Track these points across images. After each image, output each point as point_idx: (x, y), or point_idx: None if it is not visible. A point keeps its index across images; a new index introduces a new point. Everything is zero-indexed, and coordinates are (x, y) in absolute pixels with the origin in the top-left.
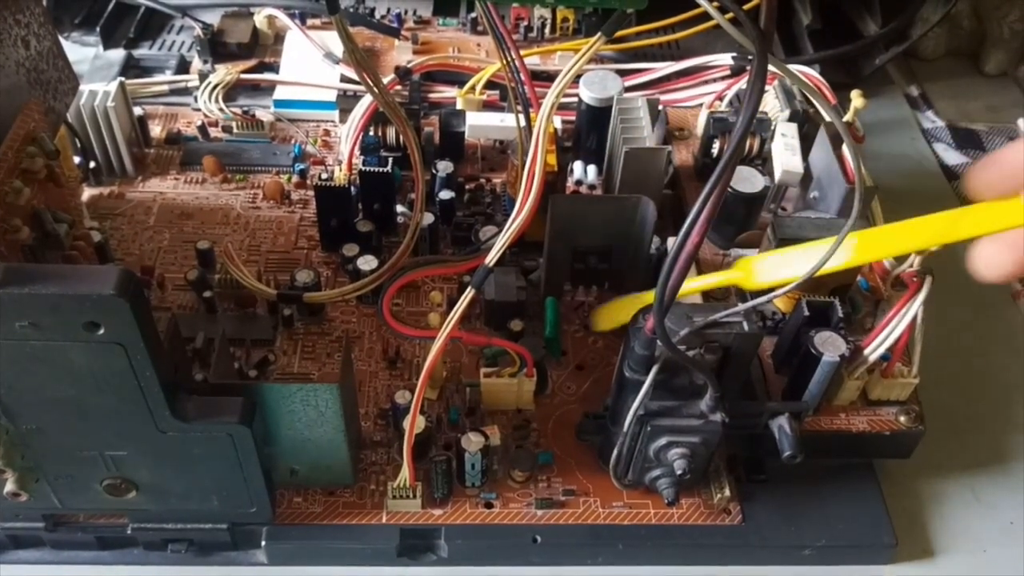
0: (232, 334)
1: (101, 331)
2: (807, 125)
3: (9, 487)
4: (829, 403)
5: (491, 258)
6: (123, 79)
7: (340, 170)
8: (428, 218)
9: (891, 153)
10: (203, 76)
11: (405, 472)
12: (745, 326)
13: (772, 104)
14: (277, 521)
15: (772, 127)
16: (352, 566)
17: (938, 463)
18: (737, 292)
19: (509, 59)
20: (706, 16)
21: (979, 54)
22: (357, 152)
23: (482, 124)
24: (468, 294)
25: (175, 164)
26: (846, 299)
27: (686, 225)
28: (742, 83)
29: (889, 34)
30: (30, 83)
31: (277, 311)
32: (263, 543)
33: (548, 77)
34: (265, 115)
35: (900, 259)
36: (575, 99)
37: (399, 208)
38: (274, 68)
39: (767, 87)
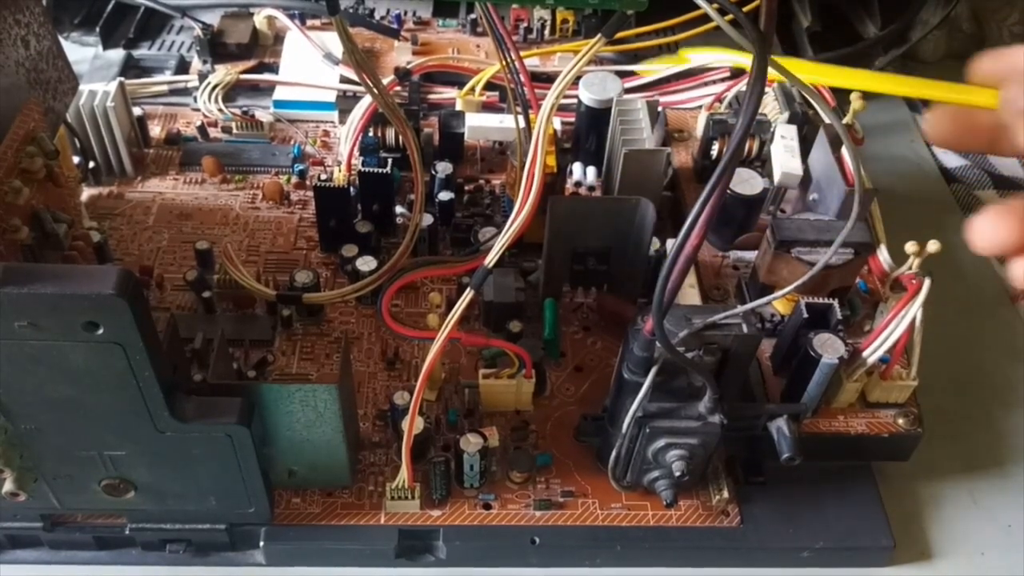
0: (231, 334)
1: (100, 331)
2: (806, 127)
3: (8, 487)
4: (828, 405)
5: (490, 259)
6: (123, 79)
7: (339, 171)
8: (427, 219)
9: (890, 155)
10: (203, 76)
11: (403, 473)
12: (744, 328)
13: (771, 106)
14: (275, 522)
15: (771, 129)
16: (350, 567)
17: (936, 466)
18: (736, 294)
19: (509, 60)
20: (706, 18)
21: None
22: (356, 153)
23: (481, 125)
24: (467, 295)
25: (174, 164)
26: (845, 301)
27: (685, 227)
28: (741, 85)
29: (888, 37)
30: (30, 83)
31: (276, 312)
32: (261, 544)
33: (548, 78)
34: (264, 115)
35: (899, 261)
36: (574, 100)
37: (398, 209)
38: (274, 69)
39: (767, 89)
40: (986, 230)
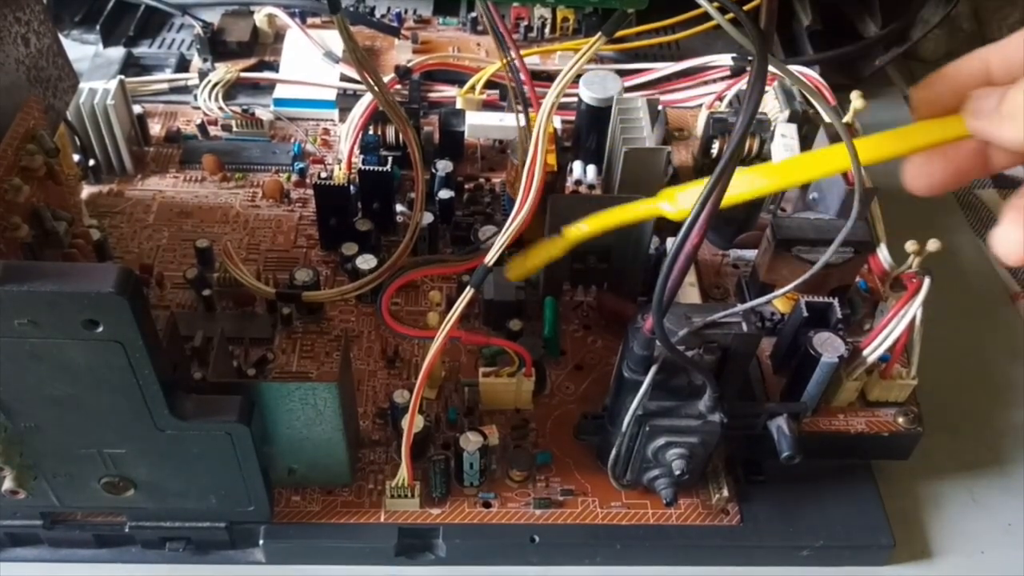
0: (231, 333)
1: (100, 329)
2: (807, 126)
3: (7, 485)
4: (827, 404)
5: (490, 258)
6: (123, 77)
7: (339, 169)
8: (427, 217)
9: None
10: (203, 74)
11: (403, 471)
12: (744, 326)
13: (772, 105)
14: (275, 520)
15: (772, 128)
16: (350, 565)
17: (936, 465)
18: (736, 293)
19: (509, 59)
20: (706, 16)
21: None
22: (356, 151)
23: (482, 124)
24: (467, 293)
25: (174, 162)
26: (845, 300)
27: (685, 226)
28: (742, 84)
29: (889, 35)
30: (30, 81)
31: (276, 310)
32: (261, 542)
33: (548, 77)
34: (265, 114)
35: (899, 260)
36: (575, 99)
37: (398, 207)
38: (274, 67)
39: (767, 88)
40: (1012, 239)
